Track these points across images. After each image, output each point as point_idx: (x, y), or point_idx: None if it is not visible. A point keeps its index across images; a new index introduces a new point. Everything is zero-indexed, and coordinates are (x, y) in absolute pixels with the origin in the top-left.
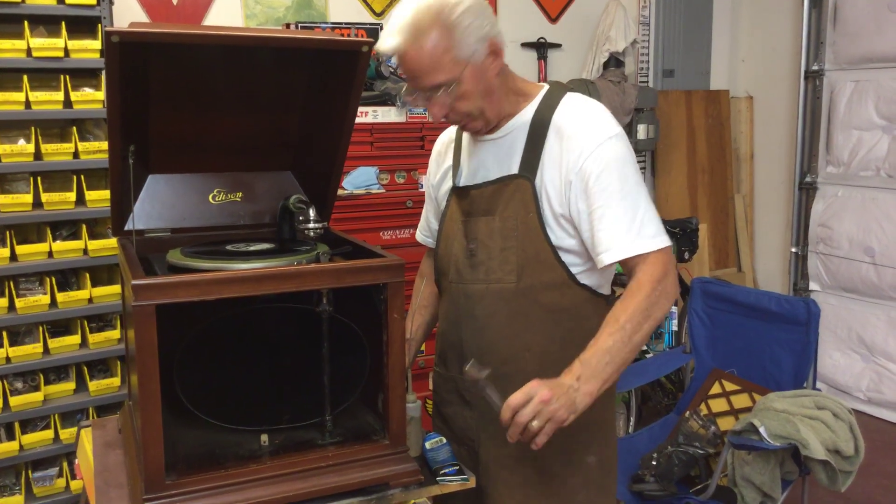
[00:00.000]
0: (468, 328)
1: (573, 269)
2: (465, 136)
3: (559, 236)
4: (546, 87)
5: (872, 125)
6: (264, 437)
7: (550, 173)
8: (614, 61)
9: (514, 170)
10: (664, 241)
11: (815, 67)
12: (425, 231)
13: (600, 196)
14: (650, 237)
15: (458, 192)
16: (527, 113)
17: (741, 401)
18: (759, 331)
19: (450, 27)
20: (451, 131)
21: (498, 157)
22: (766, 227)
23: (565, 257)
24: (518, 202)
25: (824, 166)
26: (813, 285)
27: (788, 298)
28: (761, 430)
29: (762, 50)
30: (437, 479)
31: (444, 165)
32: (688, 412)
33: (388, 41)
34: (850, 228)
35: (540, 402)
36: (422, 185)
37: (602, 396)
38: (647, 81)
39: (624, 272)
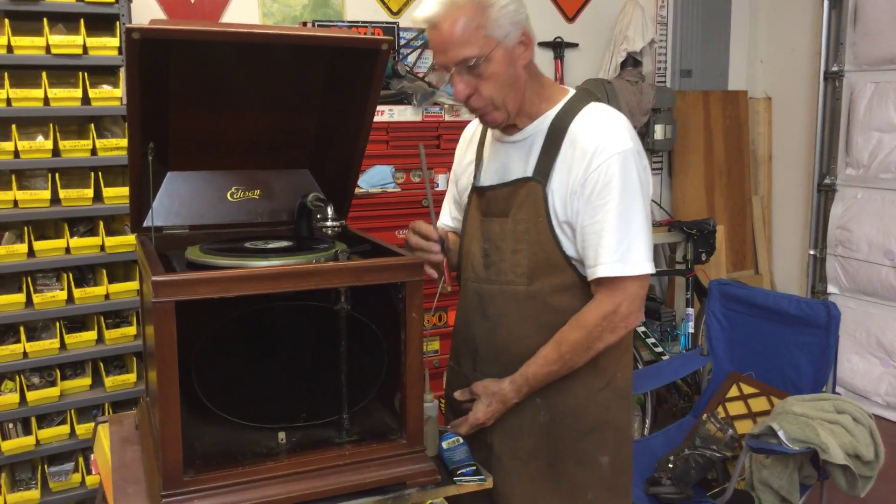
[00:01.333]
0: (480, 327)
1: (582, 273)
2: (489, 135)
3: (566, 241)
4: (572, 92)
5: (893, 127)
6: (281, 435)
7: (560, 180)
8: (632, 61)
9: (529, 173)
10: (644, 267)
11: (834, 68)
12: (450, 217)
13: (598, 211)
14: (632, 262)
15: (477, 192)
16: (547, 118)
17: (759, 404)
18: (777, 334)
19: (486, 4)
20: (476, 126)
21: (515, 160)
22: (784, 230)
23: (574, 262)
24: (530, 205)
25: (843, 168)
26: (831, 288)
27: (808, 301)
28: (780, 433)
29: (781, 50)
30: (455, 479)
31: (466, 158)
32: (705, 415)
33: (425, 9)
34: (870, 231)
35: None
36: (438, 185)
37: (617, 398)
38: (665, 81)
39: (592, 287)
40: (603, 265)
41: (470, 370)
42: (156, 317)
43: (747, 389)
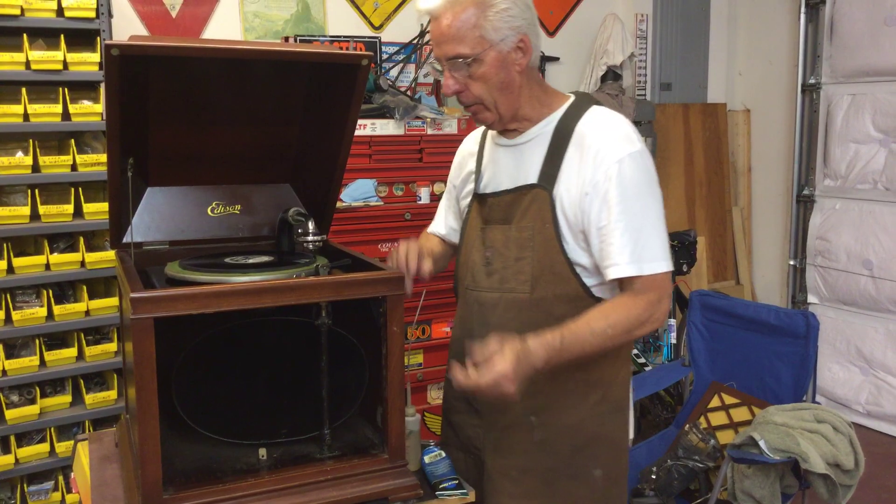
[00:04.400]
0: (481, 336)
1: (587, 282)
2: (488, 141)
3: (574, 249)
4: (572, 97)
5: (869, 138)
6: (262, 451)
7: (568, 184)
8: (612, 74)
9: (533, 179)
10: (667, 265)
11: (811, 81)
12: (442, 223)
13: (613, 211)
14: (653, 259)
15: (478, 199)
16: (550, 122)
17: (740, 414)
18: (758, 344)
19: (486, 5)
20: (477, 134)
21: (517, 165)
22: (764, 240)
23: (580, 270)
24: (535, 212)
25: (822, 179)
26: (811, 298)
27: (787, 311)
28: (761, 443)
29: (759, 63)
30: (437, 493)
31: (466, 168)
32: (687, 425)
33: (429, 1)
34: (848, 241)
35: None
36: (420, 199)
37: (612, 411)
38: (645, 95)
39: (618, 286)
40: (636, 263)
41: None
42: (134, 334)
43: (729, 399)
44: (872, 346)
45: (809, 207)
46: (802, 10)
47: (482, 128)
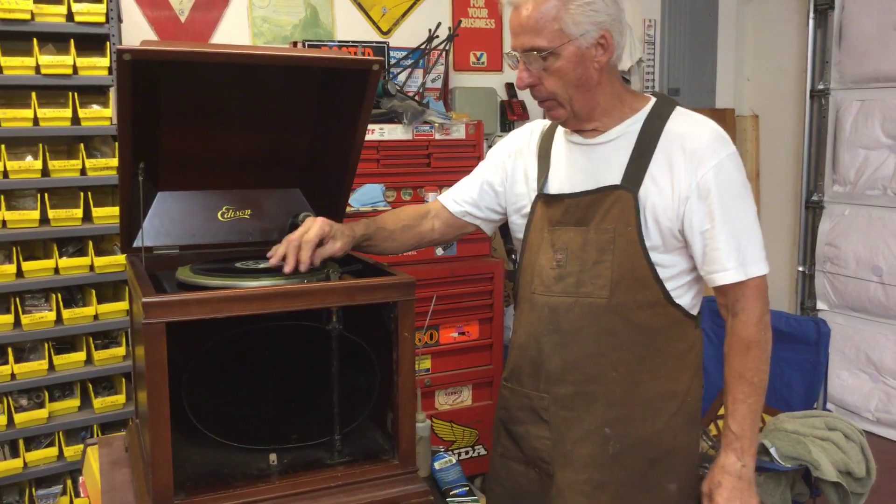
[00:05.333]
0: (550, 342)
1: (668, 287)
2: (559, 139)
3: (658, 253)
4: (654, 99)
5: (879, 144)
6: (273, 457)
7: (659, 186)
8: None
9: (616, 180)
10: (766, 266)
11: (820, 86)
12: (458, 199)
13: (716, 214)
14: (755, 261)
15: (546, 200)
16: (634, 122)
17: None
18: None
19: None
20: (535, 129)
21: (596, 165)
22: (773, 246)
23: (662, 274)
24: (617, 214)
25: (831, 185)
26: (820, 304)
27: (798, 318)
28: (772, 451)
29: (767, 69)
30: (447, 499)
31: (520, 165)
32: None
33: None
34: (858, 247)
35: None
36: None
37: (687, 423)
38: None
39: (720, 293)
40: (742, 267)
41: (532, 390)
42: (146, 338)
43: None
44: (882, 353)
45: (818, 213)
46: (811, 15)
47: (540, 124)
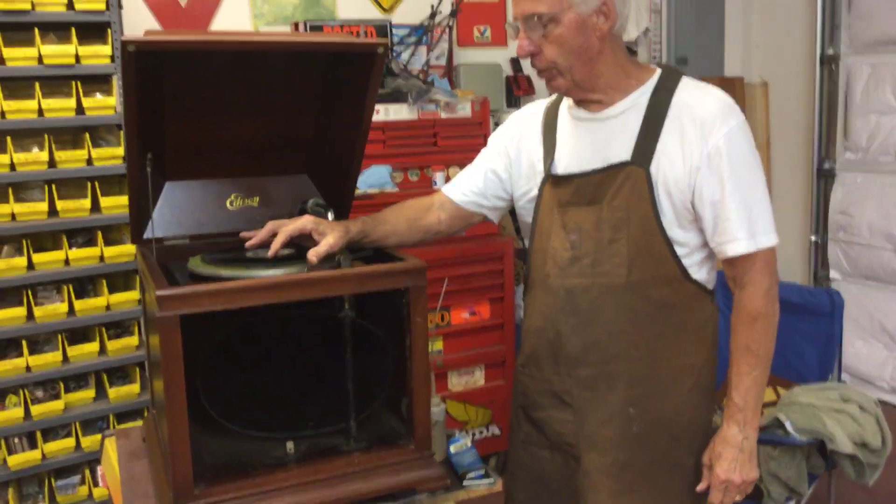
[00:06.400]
0: (568, 324)
1: (685, 263)
2: (563, 117)
3: (673, 228)
4: (659, 70)
5: (890, 109)
6: (290, 445)
7: (671, 158)
8: (627, 50)
9: (626, 156)
10: (776, 237)
11: (830, 52)
12: (465, 190)
13: (727, 185)
14: (765, 232)
15: (554, 181)
16: (642, 94)
17: (766, 395)
18: (782, 323)
19: None
20: (539, 108)
21: (605, 140)
22: (785, 215)
23: (678, 250)
24: (629, 191)
25: (842, 152)
26: (833, 274)
27: (811, 290)
28: (787, 424)
29: (776, 35)
30: (464, 483)
31: (525, 147)
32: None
33: None
34: (871, 215)
35: (735, 488)
36: (435, 183)
37: (703, 397)
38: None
39: (729, 265)
40: (752, 238)
41: (552, 374)
42: (161, 331)
43: None
44: None
45: (830, 182)
46: None
47: (544, 101)
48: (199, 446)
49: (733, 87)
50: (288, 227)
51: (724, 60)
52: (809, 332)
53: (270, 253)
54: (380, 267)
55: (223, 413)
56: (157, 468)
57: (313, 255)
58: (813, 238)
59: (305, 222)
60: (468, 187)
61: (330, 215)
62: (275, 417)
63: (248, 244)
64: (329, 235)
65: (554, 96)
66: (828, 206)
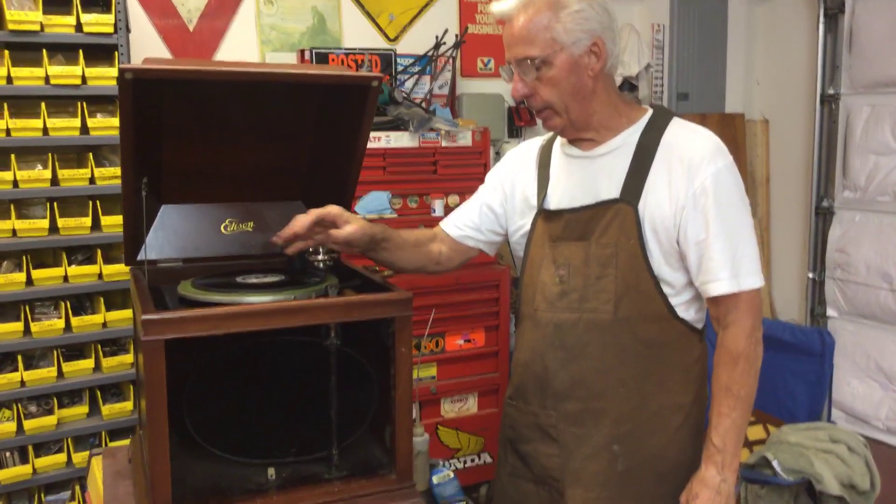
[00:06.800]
0: (556, 359)
1: (672, 302)
2: (556, 154)
3: (660, 266)
4: (651, 110)
5: (889, 150)
6: (271, 471)
7: (657, 198)
8: (628, 85)
9: (615, 193)
10: (760, 279)
11: (830, 91)
12: (459, 224)
13: (711, 225)
14: (749, 274)
15: (545, 215)
16: (632, 134)
17: (755, 433)
18: (773, 361)
19: (558, 5)
20: (534, 145)
21: (595, 178)
22: (783, 252)
23: (665, 289)
24: (617, 228)
25: (841, 191)
26: (830, 311)
27: (802, 328)
28: (774, 463)
29: (777, 73)
30: None
31: (520, 182)
32: None
33: (501, 4)
34: (868, 254)
35: None
36: (434, 211)
37: (692, 435)
38: (662, 105)
39: (713, 304)
40: (735, 279)
41: (539, 407)
42: (146, 355)
43: None
44: (893, 362)
45: (828, 219)
46: (821, 19)
47: (539, 139)
48: (182, 469)
49: (734, 123)
50: (316, 210)
51: (725, 97)
52: (800, 371)
53: (287, 231)
54: (366, 296)
55: (207, 437)
56: (140, 490)
57: (337, 236)
58: (810, 275)
59: (332, 208)
60: (463, 221)
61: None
62: (258, 443)
63: (278, 238)
64: (353, 223)
65: (549, 134)
66: (826, 243)
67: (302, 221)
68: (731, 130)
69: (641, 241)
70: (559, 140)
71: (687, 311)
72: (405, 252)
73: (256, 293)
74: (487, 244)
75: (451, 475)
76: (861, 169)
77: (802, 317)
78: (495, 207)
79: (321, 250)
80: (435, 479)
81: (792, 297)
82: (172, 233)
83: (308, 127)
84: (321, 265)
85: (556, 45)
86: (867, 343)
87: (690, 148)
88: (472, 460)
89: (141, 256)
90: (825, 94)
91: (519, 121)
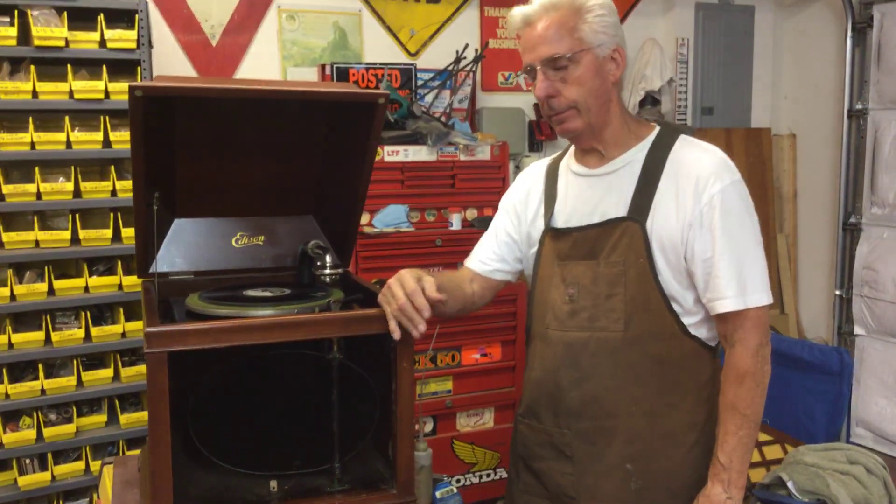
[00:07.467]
0: (568, 378)
1: (683, 319)
2: (563, 173)
3: (670, 284)
4: (658, 127)
5: None
6: (273, 484)
7: (665, 215)
8: (650, 100)
9: (622, 212)
10: (768, 297)
11: (858, 106)
12: (484, 259)
13: (718, 242)
14: (755, 291)
15: (553, 234)
16: (639, 151)
17: (773, 452)
18: (792, 380)
19: (582, 9)
20: (540, 167)
21: (603, 196)
22: (810, 269)
23: (676, 307)
24: (625, 246)
25: (869, 207)
26: (858, 329)
27: (822, 347)
28: (789, 484)
29: (805, 88)
30: None
31: (532, 204)
32: None
33: (523, 8)
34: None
35: None
36: (451, 225)
37: (706, 453)
38: (685, 119)
39: (720, 321)
40: (741, 296)
41: (552, 426)
42: (149, 367)
43: (761, 436)
44: None
45: (856, 236)
46: (849, 34)
47: (545, 161)
48: (187, 479)
49: (760, 137)
50: (413, 286)
51: (750, 111)
52: (819, 391)
53: (426, 314)
54: (367, 311)
55: (211, 448)
56: (146, 499)
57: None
58: (838, 292)
59: (408, 273)
60: (488, 256)
61: (328, 258)
62: (261, 455)
63: (395, 338)
64: (427, 277)
65: (555, 154)
66: (853, 260)
67: (420, 303)
68: (757, 145)
69: (650, 260)
70: (566, 159)
71: (699, 329)
72: (455, 300)
73: (259, 307)
74: (513, 274)
75: (455, 490)
76: (889, 185)
77: (829, 335)
78: (513, 234)
79: (328, 265)
80: (438, 494)
81: (819, 314)
82: (185, 246)
83: (317, 143)
84: (328, 279)
85: (584, 44)
86: (895, 361)
87: (698, 165)
88: (488, 475)
89: (152, 269)
90: (853, 108)
91: (540, 135)
